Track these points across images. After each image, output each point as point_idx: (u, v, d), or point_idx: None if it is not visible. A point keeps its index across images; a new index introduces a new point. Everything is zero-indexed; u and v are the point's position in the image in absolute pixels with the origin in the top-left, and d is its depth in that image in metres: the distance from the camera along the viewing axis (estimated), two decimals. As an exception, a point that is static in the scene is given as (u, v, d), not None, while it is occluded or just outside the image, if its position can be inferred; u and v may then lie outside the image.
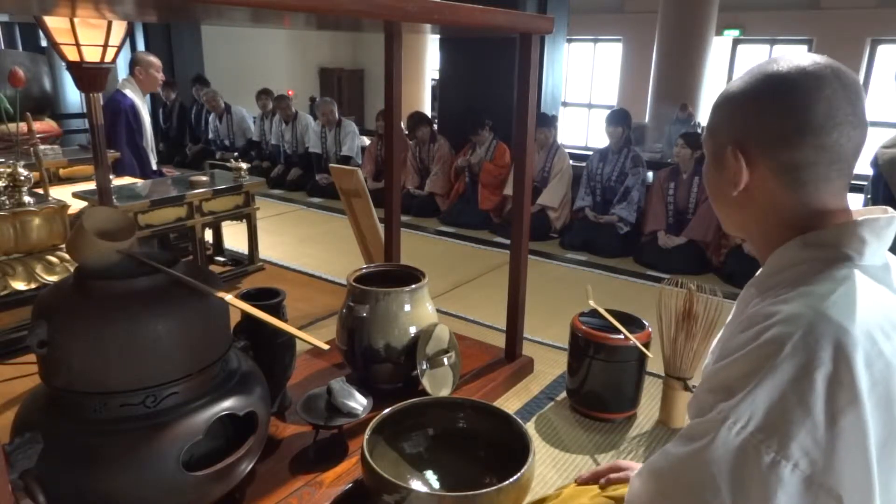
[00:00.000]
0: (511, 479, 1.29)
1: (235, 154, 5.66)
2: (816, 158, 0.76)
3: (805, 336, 0.68)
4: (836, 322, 0.68)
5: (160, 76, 3.93)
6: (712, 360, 0.87)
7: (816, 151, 0.75)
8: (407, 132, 5.58)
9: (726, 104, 0.83)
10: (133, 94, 3.79)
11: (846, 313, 0.69)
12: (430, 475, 1.52)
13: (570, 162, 4.85)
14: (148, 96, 8.35)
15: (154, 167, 4.04)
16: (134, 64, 3.84)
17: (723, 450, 0.70)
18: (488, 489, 1.27)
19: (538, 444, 1.94)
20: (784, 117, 0.76)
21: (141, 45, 8.02)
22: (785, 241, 0.81)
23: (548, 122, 4.79)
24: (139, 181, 3.53)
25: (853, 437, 0.66)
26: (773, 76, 0.77)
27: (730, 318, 0.95)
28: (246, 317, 1.73)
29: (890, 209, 0.80)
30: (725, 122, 0.83)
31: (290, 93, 7.14)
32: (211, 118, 7.13)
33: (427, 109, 9.58)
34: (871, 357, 0.68)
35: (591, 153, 5.07)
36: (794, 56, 0.78)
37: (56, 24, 1.98)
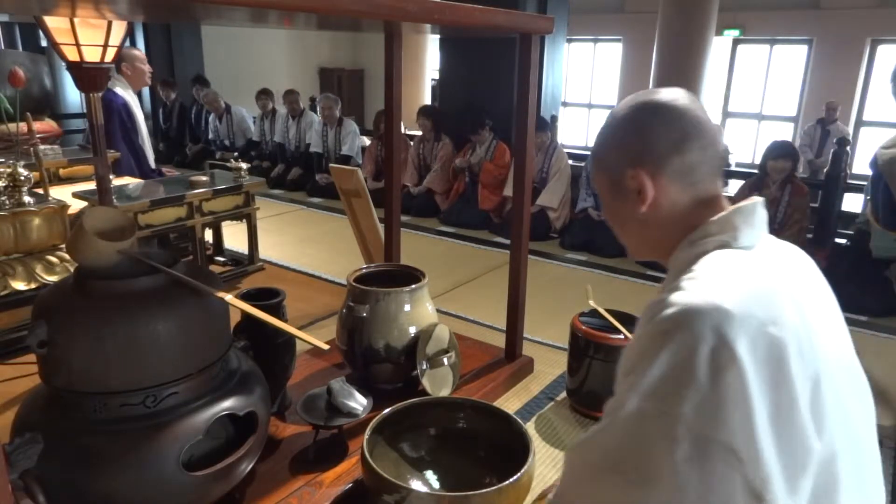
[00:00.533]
0: (511, 479, 1.29)
1: (235, 154, 5.67)
2: (702, 158, 0.91)
3: (686, 313, 0.77)
4: (711, 299, 0.77)
5: (147, 68, 3.91)
6: None
7: (701, 152, 0.90)
8: (418, 125, 5.57)
9: (612, 138, 0.96)
10: (124, 92, 3.77)
11: (719, 290, 0.78)
12: (430, 475, 1.52)
13: (570, 162, 4.85)
14: (148, 96, 8.35)
15: (152, 165, 4.03)
16: (119, 61, 3.82)
17: (627, 419, 0.81)
18: (488, 489, 1.27)
19: (538, 444, 1.94)
20: (669, 131, 0.90)
21: (141, 45, 8.02)
22: (679, 244, 0.93)
23: (545, 125, 4.78)
24: (139, 181, 3.52)
25: (737, 396, 0.75)
26: (647, 104, 0.93)
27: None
28: (246, 317, 1.73)
29: (756, 196, 0.93)
30: (617, 152, 0.95)
31: (295, 91, 7.14)
32: (211, 118, 7.13)
33: (427, 109, 9.55)
34: (744, 322, 0.76)
35: (590, 153, 5.07)
36: (650, 90, 0.95)
37: (56, 24, 1.98)
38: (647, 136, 0.91)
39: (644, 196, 0.92)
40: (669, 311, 0.79)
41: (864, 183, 4.50)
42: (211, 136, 7.17)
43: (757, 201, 0.92)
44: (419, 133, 5.62)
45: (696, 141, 0.90)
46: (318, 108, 6.17)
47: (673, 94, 0.93)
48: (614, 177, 0.95)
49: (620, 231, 1.01)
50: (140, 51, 3.92)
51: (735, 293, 0.78)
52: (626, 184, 0.93)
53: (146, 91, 8.16)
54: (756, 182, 4.11)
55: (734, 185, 4.99)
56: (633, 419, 0.81)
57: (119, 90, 3.74)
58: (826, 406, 0.80)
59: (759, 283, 0.82)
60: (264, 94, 6.80)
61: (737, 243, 0.88)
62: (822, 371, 0.80)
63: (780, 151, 3.96)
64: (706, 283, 0.80)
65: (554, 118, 5.49)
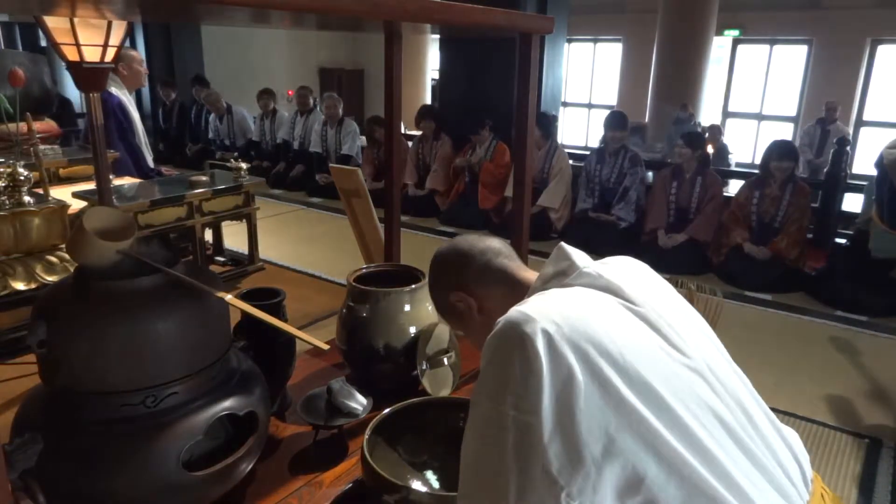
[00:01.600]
0: (511, 479, 1.28)
1: (235, 154, 5.67)
2: (487, 261, 1.19)
3: (506, 328, 0.90)
4: (521, 313, 0.91)
5: (143, 69, 3.91)
6: None
7: (486, 257, 1.19)
8: (415, 125, 5.57)
9: (436, 274, 1.27)
10: (119, 92, 3.76)
11: (528, 308, 0.92)
12: (430, 475, 1.52)
13: (570, 162, 4.85)
14: (148, 96, 8.36)
15: (151, 165, 4.02)
16: (116, 61, 3.82)
17: (476, 419, 0.93)
18: (488, 489, 1.27)
19: (538, 444, 1.94)
20: (465, 262, 1.20)
21: (141, 45, 8.03)
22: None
23: (544, 124, 4.78)
24: (139, 181, 3.52)
25: (542, 385, 0.85)
26: (453, 249, 1.23)
27: None
28: (246, 317, 1.73)
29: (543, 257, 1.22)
30: (443, 283, 1.24)
31: (289, 93, 7.15)
32: (211, 118, 7.14)
33: (427, 109, 9.55)
34: (542, 323, 0.88)
35: (589, 153, 5.07)
36: (442, 247, 1.26)
37: (56, 24, 1.98)
38: (456, 269, 1.21)
39: (472, 307, 1.19)
40: (495, 329, 0.93)
41: (864, 183, 4.51)
42: (211, 135, 7.18)
43: (557, 248, 1.10)
44: (418, 133, 5.62)
45: (478, 260, 1.19)
46: (322, 107, 6.18)
47: (466, 241, 1.24)
48: (445, 300, 1.24)
49: (474, 340, 1.21)
50: (137, 52, 3.92)
51: (541, 311, 0.91)
52: (455, 304, 1.21)
53: (146, 91, 8.18)
54: (757, 181, 4.11)
55: (734, 185, 5.00)
56: (481, 420, 0.91)
57: (114, 90, 3.73)
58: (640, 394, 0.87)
59: (569, 296, 0.98)
60: (265, 94, 6.81)
61: (545, 287, 1.06)
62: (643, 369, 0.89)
63: (782, 152, 3.97)
64: (523, 304, 0.96)
65: (554, 118, 5.49)
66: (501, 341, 0.91)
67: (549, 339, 0.87)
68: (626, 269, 1.13)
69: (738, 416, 0.93)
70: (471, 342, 1.23)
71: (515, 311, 0.93)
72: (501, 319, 0.93)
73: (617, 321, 0.95)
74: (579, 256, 1.09)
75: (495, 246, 1.21)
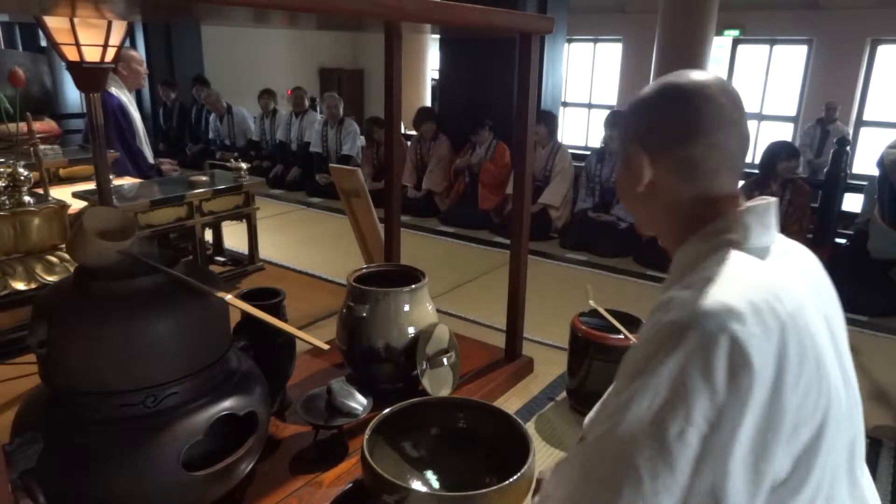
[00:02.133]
0: (511, 479, 1.29)
1: (235, 154, 5.67)
2: (707, 154, 0.87)
3: (699, 315, 0.76)
4: (725, 301, 0.76)
5: (143, 69, 3.90)
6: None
7: (707, 149, 0.87)
8: (413, 127, 5.58)
9: (631, 111, 0.95)
10: (119, 93, 3.76)
11: (732, 292, 0.77)
12: (430, 475, 1.52)
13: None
14: (148, 96, 8.35)
15: (151, 161, 3.99)
16: (115, 61, 3.82)
17: (634, 426, 0.78)
18: (488, 489, 1.27)
19: (538, 444, 1.94)
20: (679, 120, 0.88)
21: (141, 45, 8.02)
22: (688, 238, 0.91)
23: (549, 119, 4.79)
24: (138, 181, 3.52)
25: (743, 402, 0.74)
26: (669, 86, 0.91)
27: None
28: (246, 317, 1.73)
29: (769, 197, 0.91)
30: (631, 127, 0.95)
31: (289, 93, 7.15)
32: (212, 118, 7.14)
33: (427, 109, 9.56)
34: (757, 327, 0.75)
35: (589, 153, 5.08)
36: (689, 70, 0.92)
37: (56, 24, 1.98)
38: (657, 120, 0.90)
39: (641, 176, 0.92)
40: (680, 312, 0.77)
41: (865, 183, 4.51)
42: (211, 135, 7.17)
43: (770, 202, 0.89)
44: (416, 134, 5.63)
45: (705, 137, 0.86)
46: (324, 107, 6.18)
47: (702, 82, 0.89)
48: (625, 147, 0.96)
49: (623, 199, 1.01)
50: (137, 52, 3.91)
51: (747, 297, 0.77)
52: (631, 158, 0.93)
53: (146, 91, 8.17)
54: (758, 181, 4.11)
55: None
56: (642, 428, 0.77)
57: (114, 90, 3.73)
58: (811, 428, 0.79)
59: (770, 288, 0.79)
60: (266, 94, 6.82)
61: (747, 243, 0.85)
62: (829, 389, 0.79)
63: (788, 151, 3.98)
64: (719, 284, 0.78)
65: (554, 117, 5.49)
66: (699, 335, 0.75)
67: (763, 350, 0.74)
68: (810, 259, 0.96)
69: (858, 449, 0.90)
70: (623, 201, 1.03)
71: (719, 300, 0.76)
72: (696, 303, 0.77)
73: (817, 324, 0.82)
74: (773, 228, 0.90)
75: (734, 136, 0.88)
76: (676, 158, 0.89)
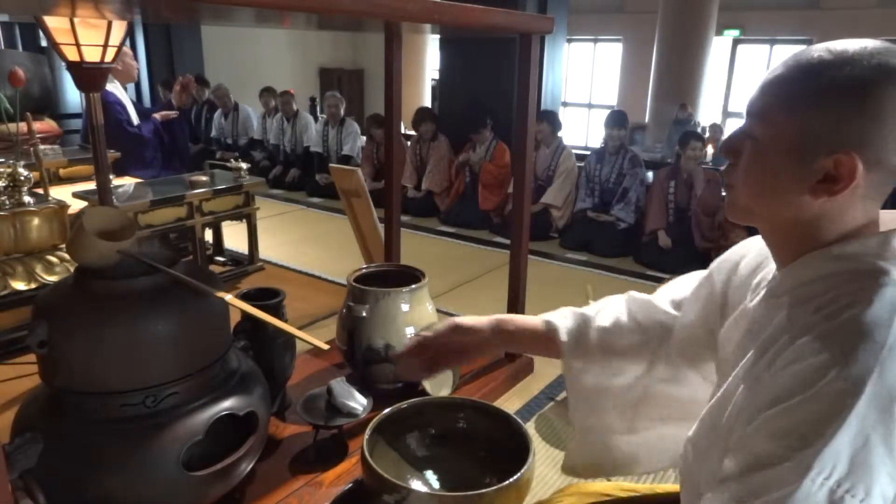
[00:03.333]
0: (511, 479, 1.29)
1: (236, 154, 5.67)
2: None
3: (880, 374, 0.64)
4: None
5: (135, 63, 3.91)
6: (739, 385, 0.80)
7: None
8: (412, 127, 5.58)
9: (840, 95, 0.69)
10: (114, 89, 3.77)
11: None
12: (430, 475, 1.52)
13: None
14: (148, 96, 8.34)
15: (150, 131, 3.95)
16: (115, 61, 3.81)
17: (805, 503, 0.63)
18: (488, 489, 1.27)
19: (538, 444, 1.95)
20: None
21: (141, 45, 8.02)
22: (809, 249, 0.76)
23: (543, 117, 4.79)
24: (138, 181, 3.52)
25: None
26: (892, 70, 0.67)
27: (746, 329, 0.88)
28: (246, 317, 1.73)
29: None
30: (830, 119, 0.70)
31: (290, 92, 7.15)
32: (216, 115, 7.13)
33: (427, 109, 9.56)
34: None
35: (589, 153, 5.08)
36: (884, 51, 0.69)
37: (56, 24, 1.98)
38: (886, 119, 0.68)
39: (835, 189, 0.71)
40: (849, 363, 0.65)
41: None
42: (215, 132, 7.15)
43: None
44: (416, 133, 5.63)
45: None
46: (325, 106, 6.18)
47: None
48: (809, 143, 0.71)
49: (752, 189, 0.78)
50: (126, 47, 3.91)
51: None
52: (819, 161, 0.71)
53: (146, 91, 8.18)
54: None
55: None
56: (810, 498, 0.63)
57: (109, 87, 3.73)
58: None
59: None
60: (267, 93, 6.83)
61: None
62: None
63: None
64: (885, 328, 0.66)
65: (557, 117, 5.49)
66: (880, 399, 0.63)
67: None
68: None
69: None
70: (734, 182, 0.80)
71: (889, 348, 0.64)
72: (856, 346, 0.65)
73: None
74: None
75: None
76: (887, 172, 0.71)
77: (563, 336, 1.19)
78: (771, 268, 0.88)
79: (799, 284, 0.77)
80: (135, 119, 3.92)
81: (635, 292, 1.19)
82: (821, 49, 0.72)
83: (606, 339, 1.17)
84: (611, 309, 1.20)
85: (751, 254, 0.99)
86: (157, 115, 4.06)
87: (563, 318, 1.21)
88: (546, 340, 1.21)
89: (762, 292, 0.87)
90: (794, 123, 0.72)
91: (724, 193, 1.02)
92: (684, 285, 1.14)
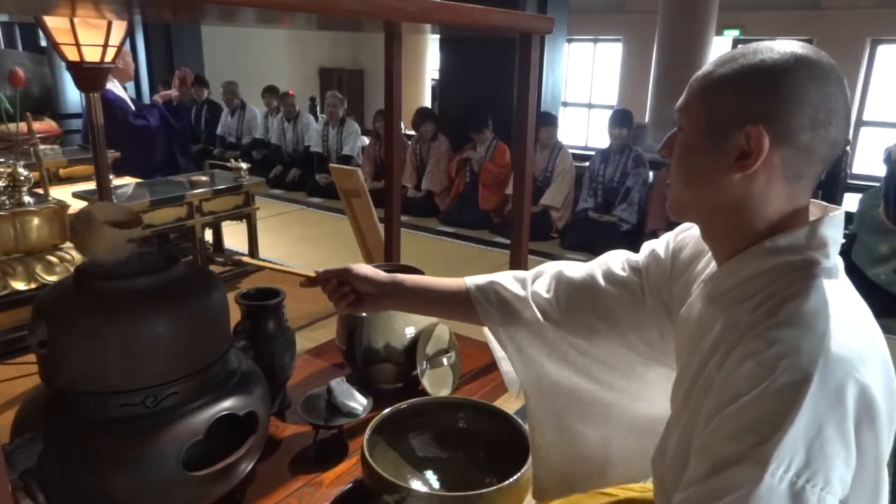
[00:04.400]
0: (511, 479, 1.29)
1: (237, 153, 5.67)
2: (825, 153, 0.76)
3: (825, 363, 0.66)
4: (846, 346, 0.67)
5: (131, 62, 3.92)
6: (692, 386, 0.82)
7: (829, 146, 0.75)
8: (412, 128, 5.58)
9: (744, 80, 0.76)
10: (114, 88, 3.77)
11: (848, 335, 0.69)
12: (430, 475, 1.52)
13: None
14: (148, 95, 8.34)
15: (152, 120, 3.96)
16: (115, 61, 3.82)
17: (768, 497, 0.65)
18: (488, 489, 1.27)
19: (538, 444, 1.94)
20: (819, 103, 0.73)
21: (141, 45, 8.02)
22: (746, 245, 0.79)
23: (550, 120, 4.80)
24: (138, 181, 3.52)
25: (871, 454, 0.67)
26: (810, 61, 0.74)
27: (693, 331, 0.88)
28: (246, 317, 1.73)
29: (831, 205, 0.81)
30: (742, 98, 0.76)
31: (290, 92, 7.16)
32: (224, 113, 7.13)
33: (427, 109, 9.56)
34: (877, 373, 0.68)
35: (591, 153, 5.09)
36: (802, 43, 0.77)
37: (56, 24, 1.98)
38: (794, 98, 0.73)
39: (749, 163, 0.76)
40: (796, 359, 0.67)
41: (864, 183, 4.51)
42: (220, 130, 7.15)
43: (840, 211, 0.79)
44: (415, 134, 5.63)
45: (836, 129, 0.74)
46: (325, 107, 6.19)
47: (835, 67, 0.75)
48: (721, 122, 0.78)
49: (683, 180, 0.84)
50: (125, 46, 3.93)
51: (860, 334, 0.70)
52: (733, 138, 0.76)
53: (146, 91, 8.18)
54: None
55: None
56: (779, 499, 0.65)
57: (109, 86, 3.73)
58: None
59: (868, 320, 0.73)
60: (268, 92, 6.84)
61: (828, 262, 0.75)
62: None
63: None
64: (825, 320, 0.69)
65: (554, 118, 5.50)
66: (830, 387, 0.65)
67: (882, 397, 0.67)
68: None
69: None
70: (671, 176, 0.86)
71: (840, 345, 0.67)
72: (818, 347, 0.67)
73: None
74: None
75: (846, 129, 0.77)
76: (799, 147, 0.75)
77: (470, 283, 1.26)
78: (707, 261, 0.92)
79: (737, 284, 0.80)
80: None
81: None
82: (740, 47, 0.80)
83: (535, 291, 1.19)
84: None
85: (688, 247, 1.01)
86: (157, 98, 4.06)
87: (474, 278, 1.26)
88: (453, 293, 1.29)
89: (699, 287, 0.90)
90: (709, 107, 0.79)
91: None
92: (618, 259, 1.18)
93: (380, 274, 1.28)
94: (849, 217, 4.44)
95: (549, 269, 1.23)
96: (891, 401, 0.69)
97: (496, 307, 1.20)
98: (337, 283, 1.27)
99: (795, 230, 0.77)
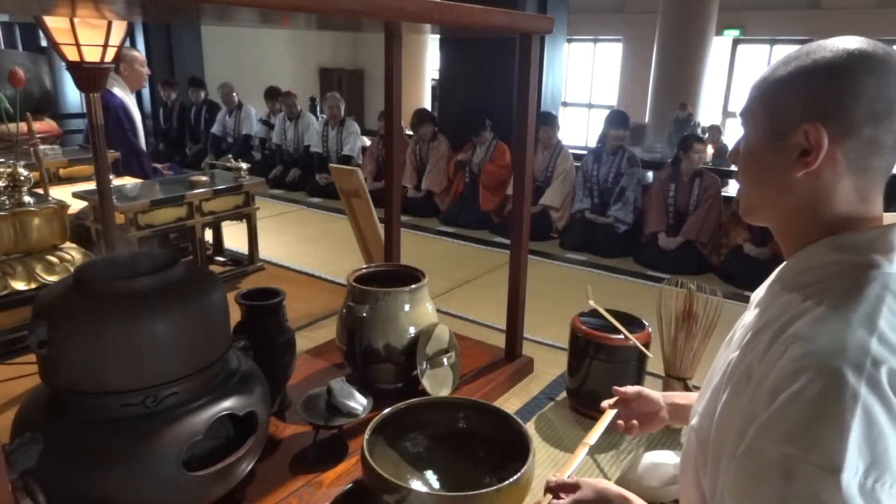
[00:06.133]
0: (511, 479, 1.29)
1: (229, 156, 5.67)
2: (892, 142, 0.75)
3: (873, 363, 0.67)
4: (891, 345, 0.68)
5: (146, 70, 3.91)
6: (738, 363, 0.83)
7: (893, 134, 0.75)
8: (410, 129, 5.58)
9: (801, 80, 0.77)
10: (121, 93, 3.76)
11: (894, 335, 0.69)
12: (430, 475, 1.52)
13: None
14: (148, 96, 8.34)
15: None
16: (118, 61, 3.82)
17: (845, 501, 0.65)
18: (488, 489, 1.27)
19: (538, 444, 1.94)
20: (877, 96, 0.73)
21: (141, 45, 8.02)
22: (814, 239, 0.80)
23: (550, 120, 4.80)
24: (138, 181, 3.52)
25: None
26: (863, 54, 0.75)
27: (754, 314, 0.90)
28: (246, 316, 1.73)
29: None
30: (800, 97, 0.77)
31: (293, 94, 7.16)
32: (221, 113, 7.12)
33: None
34: None
35: (585, 153, 5.08)
36: (858, 37, 0.77)
37: (56, 24, 1.97)
38: (849, 93, 0.74)
39: (810, 160, 0.76)
40: (836, 362, 0.67)
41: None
42: (216, 129, 7.13)
43: None
44: (415, 134, 5.63)
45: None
46: (326, 107, 6.18)
47: (888, 48, 0.76)
48: (781, 123, 0.79)
49: (751, 183, 0.86)
50: (140, 52, 3.92)
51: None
52: (793, 137, 0.77)
53: (146, 91, 8.17)
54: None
55: (734, 186, 4.99)
56: (854, 500, 0.65)
57: (116, 90, 3.73)
58: None
59: None
60: (270, 95, 6.84)
61: (891, 267, 0.75)
62: None
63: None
64: (884, 324, 0.69)
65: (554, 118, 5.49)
66: (878, 391, 0.66)
67: None
68: None
69: None
70: (740, 182, 0.88)
71: (891, 348, 0.67)
72: (839, 342, 0.68)
73: None
74: None
75: None
76: (863, 139, 0.74)
77: None
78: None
79: (797, 273, 0.82)
80: (140, 127, 3.92)
81: None
82: (797, 49, 0.82)
83: None
84: None
85: None
86: (157, 167, 4.12)
87: None
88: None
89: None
90: (768, 109, 0.81)
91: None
92: None
93: (656, 395, 1.34)
94: None
95: None
96: None
97: None
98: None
99: (865, 231, 0.77)
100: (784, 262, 0.88)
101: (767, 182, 0.83)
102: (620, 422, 1.32)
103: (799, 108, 0.77)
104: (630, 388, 1.34)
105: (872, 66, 0.74)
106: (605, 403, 1.37)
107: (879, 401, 0.65)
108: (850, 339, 0.68)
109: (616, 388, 1.36)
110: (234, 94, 7.03)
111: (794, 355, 0.71)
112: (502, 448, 1.48)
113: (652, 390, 1.35)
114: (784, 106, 0.79)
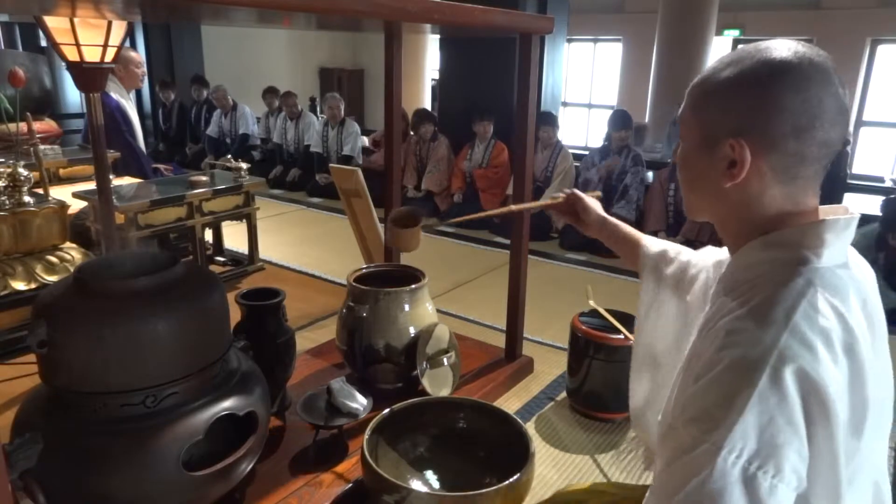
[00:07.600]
0: (511, 479, 1.29)
1: (228, 157, 5.67)
2: (817, 153, 0.76)
3: (779, 356, 0.68)
4: (803, 340, 0.69)
5: (141, 71, 3.89)
6: (686, 367, 0.84)
7: (819, 147, 0.76)
8: (411, 129, 5.58)
9: (725, 91, 0.79)
10: (117, 94, 3.76)
11: (809, 331, 0.70)
12: (431, 475, 1.52)
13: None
14: (148, 96, 8.33)
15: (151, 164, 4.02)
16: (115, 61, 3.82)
17: (722, 482, 0.67)
18: (488, 489, 1.27)
19: (538, 444, 1.94)
20: (799, 109, 0.74)
21: (141, 45, 8.02)
22: (750, 239, 0.82)
23: (550, 120, 4.80)
24: (138, 181, 3.52)
25: (826, 447, 0.69)
26: (786, 68, 0.75)
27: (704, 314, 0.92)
28: (246, 316, 1.73)
29: (851, 208, 0.82)
30: (724, 112, 0.79)
31: (293, 94, 7.15)
32: (216, 114, 7.11)
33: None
34: (834, 367, 0.70)
35: (588, 152, 5.08)
36: (787, 44, 0.77)
37: (56, 24, 1.97)
38: (770, 109, 0.75)
39: (735, 173, 0.78)
40: (749, 348, 0.70)
41: (864, 183, 4.51)
42: (213, 131, 7.13)
43: (854, 216, 0.79)
44: (414, 135, 5.63)
45: (823, 131, 0.75)
46: (325, 107, 6.17)
47: (822, 69, 0.75)
48: (709, 134, 0.81)
49: (687, 186, 0.90)
50: (137, 53, 3.90)
51: (819, 327, 0.71)
52: (721, 149, 0.79)
53: (146, 91, 8.17)
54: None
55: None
56: (732, 484, 0.67)
57: (112, 92, 3.72)
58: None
59: (840, 317, 0.73)
60: (270, 93, 6.83)
61: (820, 262, 0.76)
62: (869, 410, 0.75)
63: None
64: (787, 311, 0.71)
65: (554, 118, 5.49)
66: (784, 379, 0.67)
67: (835, 392, 0.69)
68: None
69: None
70: (681, 182, 0.92)
71: (790, 336, 0.69)
72: (760, 333, 0.70)
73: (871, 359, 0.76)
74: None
75: (841, 126, 0.76)
76: (787, 153, 0.76)
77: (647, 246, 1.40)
78: None
79: (733, 272, 0.84)
80: (137, 128, 3.91)
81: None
82: (729, 53, 0.83)
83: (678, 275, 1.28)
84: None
85: None
86: (159, 167, 4.11)
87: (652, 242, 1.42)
88: (633, 245, 1.45)
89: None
90: (699, 119, 0.83)
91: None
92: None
93: (597, 206, 1.61)
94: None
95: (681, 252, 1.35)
96: (855, 399, 0.71)
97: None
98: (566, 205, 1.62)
99: (791, 228, 0.79)
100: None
101: (702, 187, 0.86)
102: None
103: (724, 122, 0.79)
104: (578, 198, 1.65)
105: (794, 81, 0.74)
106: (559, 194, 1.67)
107: (776, 396, 0.67)
108: (764, 335, 0.70)
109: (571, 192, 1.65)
110: (228, 96, 7.04)
111: (715, 347, 0.73)
112: (502, 448, 1.48)
113: (596, 209, 1.61)
114: (711, 119, 0.81)
